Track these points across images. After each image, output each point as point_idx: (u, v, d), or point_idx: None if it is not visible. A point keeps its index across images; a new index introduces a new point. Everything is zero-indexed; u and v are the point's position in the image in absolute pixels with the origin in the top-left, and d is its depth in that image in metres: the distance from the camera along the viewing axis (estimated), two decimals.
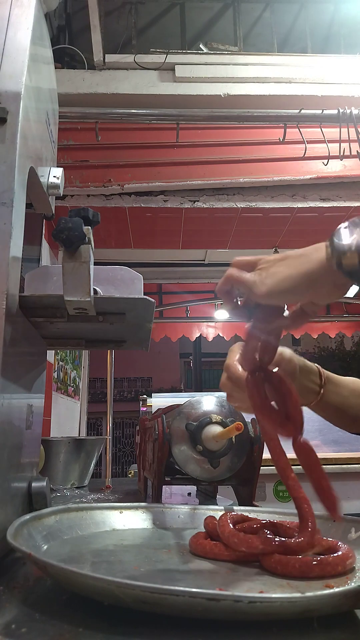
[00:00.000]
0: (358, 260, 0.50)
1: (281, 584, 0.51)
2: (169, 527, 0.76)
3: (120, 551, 0.63)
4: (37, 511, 0.68)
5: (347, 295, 3.96)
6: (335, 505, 0.57)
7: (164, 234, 3.00)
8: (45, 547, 0.62)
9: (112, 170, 2.56)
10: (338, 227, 0.54)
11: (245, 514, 0.76)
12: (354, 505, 2.36)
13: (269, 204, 2.68)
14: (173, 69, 2.59)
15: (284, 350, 0.76)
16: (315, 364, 0.84)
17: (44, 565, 0.47)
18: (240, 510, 0.78)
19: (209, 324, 4.84)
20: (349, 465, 2.41)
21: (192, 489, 1.23)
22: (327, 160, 2.45)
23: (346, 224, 0.54)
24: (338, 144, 2.35)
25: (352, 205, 2.69)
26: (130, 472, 2.73)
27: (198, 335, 4.96)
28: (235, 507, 0.80)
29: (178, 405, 0.94)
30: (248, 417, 0.74)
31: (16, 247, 0.67)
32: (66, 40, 2.77)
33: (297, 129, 2.41)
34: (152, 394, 3.92)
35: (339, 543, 0.58)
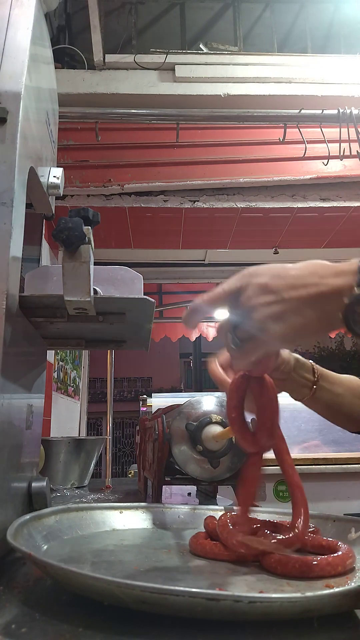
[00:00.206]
0: None
1: (281, 584, 0.51)
2: (169, 527, 0.76)
3: (120, 551, 0.63)
4: (37, 511, 0.68)
5: None
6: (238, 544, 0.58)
7: (164, 234, 3.00)
8: (45, 547, 0.62)
9: (112, 170, 2.56)
10: (352, 303, 0.49)
11: None
12: (354, 505, 2.36)
13: (269, 204, 2.68)
14: (173, 69, 2.59)
15: (282, 352, 0.76)
16: (310, 361, 0.84)
17: (44, 565, 0.47)
18: None
19: (209, 324, 4.84)
20: (349, 465, 2.41)
21: (192, 489, 1.23)
22: (327, 160, 2.45)
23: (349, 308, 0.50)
24: (338, 144, 2.35)
25: (352, 205, 2.69)
26: (130, 472, 2.73)
27: (198, 335, 4.96)
28: (235, 507, 0.80)
29: (178, 405, 0.94)
30: (248, 417, 0.74)
31: (16, 247, 0.67)
32: (66, 40, 2.77)
33: (297, 129, 2.41)
34: (152, 394, 3.92)
35: (339, 543, 0.58)
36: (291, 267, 0.54)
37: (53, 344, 0.97)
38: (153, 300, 0.77)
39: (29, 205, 0.91)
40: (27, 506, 0.76)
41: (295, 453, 2.65)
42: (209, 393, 1.01)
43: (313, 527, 0.67)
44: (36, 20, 0.81)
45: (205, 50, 2.72)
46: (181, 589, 0.40)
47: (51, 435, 2.51)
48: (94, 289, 0.71)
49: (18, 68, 0.74)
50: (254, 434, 0.61)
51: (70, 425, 3.61)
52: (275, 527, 0.64)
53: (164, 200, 2.64)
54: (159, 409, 1.13)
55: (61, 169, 0.94)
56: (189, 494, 1.21)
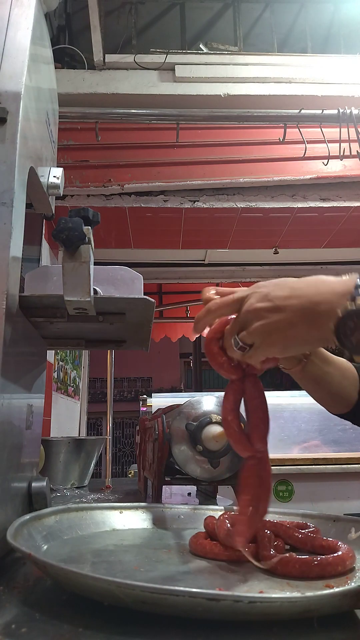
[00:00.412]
0: None
1: (281, 584, 0.51)
2: (169, 527, 0.76)
3: (120, 551, 0.63)
4: (37, 511, 0.68)
5: None
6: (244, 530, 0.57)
7: (164, 234, 3.00)
8: (45, 547, 0.62)
9: (112, 170, 2.56)
10: (345, 317, 0.51)
11: None
12: (354, 505, 2.36)
13: (269, 204, 2.68)
14: (173, 69, 2.58)
15: None
16: None
17: (44, 565, 0.47)
18: None
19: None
20: (349, 465, 2.41)
21: (192, 489, 1.23)
22: (327, 160, 2.45)
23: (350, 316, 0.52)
24: (338, 144, 2.35)
25: (352, 205, 2.69)
26: (130, 472, 2.73)
27: (198, 335, 4.95)
28: (235, 507, 0.80)
29: (178, 405, 0.94)
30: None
31: (16, 247, 0.67)
32: (66, 40, 2.77)
33: (297, 129, 2.41)
34: (152, 394, 3.91)
35: (339, 543, 0.58)
36: (293, 280, 0.58)
37: (53, 344, 0.97)
38: (153, 300, 0.77)
39: (29, 205, 0.91)
40: (27, 506, 0.76)
41: (295, 453, 2.65)
42: (209, 393, 1.01)
43: (313, 527, 0.67)
44: (36, 20, 0.81)
45: (205, 50, 2.72)
46: (181, 589, 0.40)
47: (51, 435, 2.51)
48: (94, 289, 0.71)
49: (18, 68, 0.74)
50: (248, 437, 0.61)
51: (70, 425, 3.61)
52: (275, 527, 0.64)
53: (164, 200, 2.64)
54: (159, 409, 1.13)
55: (61, 169, 0.94)
56: (189, 494, 1.21)
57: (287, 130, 2.43)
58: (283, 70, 2.62)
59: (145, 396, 3.83)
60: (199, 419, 0.84)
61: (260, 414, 0.62)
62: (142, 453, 1.23)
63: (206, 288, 0.66)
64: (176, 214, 2.72)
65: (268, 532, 0.61)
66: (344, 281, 0.55)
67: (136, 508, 0.79)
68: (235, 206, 2.66)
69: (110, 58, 2.59)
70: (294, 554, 0.55)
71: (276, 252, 3.20)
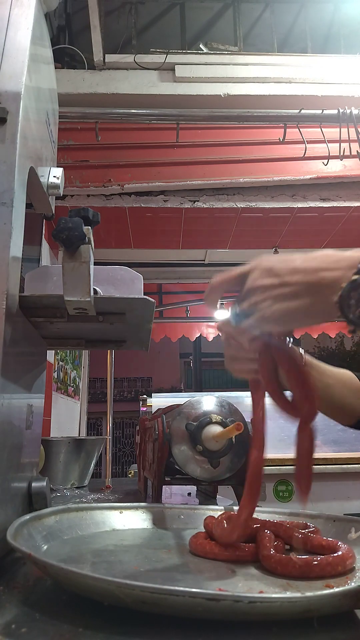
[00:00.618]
0: None
1: (281, 584, 0.51)
2: (169, 527, 0.76)
3: (120, 551, 0.63)
4: (37, 511, 0.68)
5: None
6: (307, 491, 0.59)
7: (164, 234, 3.00)
8: (45, 547, 0.62)
9: (112, 170, 2.56)
10: (347, 291, 0.51)
11: None
12: (354, 505, 2.36)
13: (269, 204, 2.68)
14: (173, 69, 2.59)
15: None
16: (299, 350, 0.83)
17: (44, 565, 0.47)
18: None
19: (209, 324, 4.84)
20: (349, 465, 2.41)
21: (192, 489, 1.23)
22: (327, 160, 2.45)
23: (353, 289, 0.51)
24: (338, 144, 2.35)
25: (352, 205, 2.69)
26: (130, 472, 2.73)
27: (198, 335, 4.96)
28: (235, 507, 0.80)
29: (178, 405, 0.94)
30: (248, 417, 0.74)
31: (16, 247, 0.67)
32: (66, 40, 2.77)
33: (297, 129, 2.41)
34: (152, 394, 3.92)
35: (339, 543, 0.58)
36: (298, 256, 0.57)
37: (53, 344, 0.97)
38: (153, 300, 0.77)
39: (29, 205, 0.91)
40: (27, 506, 0.76)
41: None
42: (209, 393, 1.01)
43: (313, 527, 0.67)
44: (36, 20, 0.81)
45: (205, 50, 2.72)
46: (181, 589, 0.40)
47: (51, 435, 2.51)
48: (94, 289, 0.71)
49: (18, 68, 0.74)
50: (293, 402, 0.60)
51: (70, 425, 3.61)
52: (275, 527, 0.64)
53: (164, 200, 2.64)
54: (159, 409, 1.13)
55: (61, 169, 0.94)
56: (189, 494, 1.21)
57: (287, 130, 2.43)
58: (283, 70, 2.62)
59: (145, 396, 3.84)
60: (199, 419, 0.84)
61: (296, 376, 0.60)
62: (142, 453, 1.23)
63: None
64: (176, 214, 2.73)
65: (268, 532, 0.61)
66: (349, 255, 0.54)
67: (136, 508, 0.79)
68: (235, 206, 2.66)
69: (110, 58, 2.59)
70: (294, 553, 0.55)
71: (276, 252, 3.20)
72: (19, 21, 0.78)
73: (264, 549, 0.57)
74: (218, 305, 0.64)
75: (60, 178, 0.92)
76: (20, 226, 0.69)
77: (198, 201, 2.65)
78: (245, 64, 2.62)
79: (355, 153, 2.36)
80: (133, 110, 2.40)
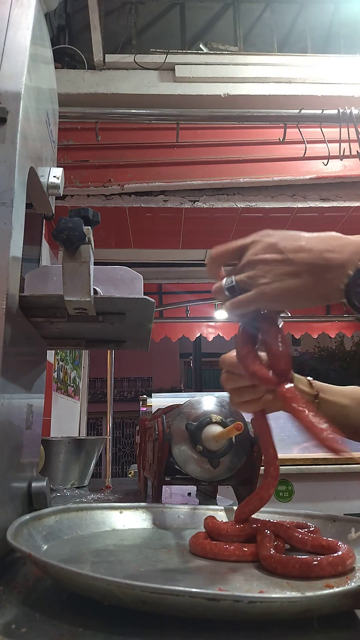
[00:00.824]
0: None
1: (281, 584, 0.51)
2: (169, 527, 0.76)
3: (120, 551, 0.63)
4: (37, 511, 0.68)
5: None
6: (331, 441, 0.55)
7: (164, 234, 3.00)
8: (45, 547, 0.62)
9: (112, 170, 2.56)
10: (350, 282, 0.50)
11: None
12: (354, 505, 2.36)
13: (269, 204, 2.68)
14: (173, 69, 2.58)
15: None
16: (307, 378, 0.81)
17: (44, 565, 0.47)
18: None
19: (209, 324, 4.84)
20: (349, 465, 2.41)
21: (192, 489, 1.23)
22: (327, 160, 2.44)
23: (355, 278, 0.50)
24: (338, 144, 2.35)
25: (352, 205, 2.69)
26: (130, 472, 2.73)
27: (198, 335, 4.96)
28: (235, 507, 0.80)
29: (178, 405, 0.94)
30: (248, 417, 0.74)
31: (16, 247, 0.67)
32: (66, 40, 2.77)
33: (297, 129, 2.40)
34: (152, 394, 3.92)
35: (339, 543, 0.58)
36: (304, 234, 0.55)
37: (53, 344, 0.97)
38: (153, 300, 0.77)
39: (29, 205, 0.91)
40: (27, 506, 0.76)
41: (295, 453, 2.65)
42: (209, 393, 1.01)
43: (313, 527, 0.67)
44: (36, 20, 0.81)
45: (205, 50, 2.72)
46: (181, 589, 0.40)
47: (51, 435, 2.51)
48: (94, 289, 0.71)
49: (18, 68, 0.74)
50: (268, 367, 0.59)
51: (70, 425, 3.61)
52: (275, 527, 0.64)
53: (164, 200, 2.64)
54: (159, 409, 1.13)
55: (61, 169, 0.94)
56: (189, 494, 1.21)
57: (287, 130, 2.43)
58: (283, 70, 2.62)
59: (145, 396, 3.84)
60: (199, 419, 0.84)
61: (277, 345, 0.59)
62: (142, 453, 1.23)
63: None
64: (176, 214, 2.72)
65: (268, 532, 0.61)
66: (356, 240, 0.52)
67: (136, 508, 0.79)
68: (235, 206, 2.66)
69: (110, 58, 2.59)
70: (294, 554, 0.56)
71: None
72: (19, 21, 0.78)
73: (264, 549, 0.57)
74: (222, 272, 0.61)
75: (60, 178, 0.92)
76: (20, 226, 0.69)
77: (198, 201, 2.65)
78: (245, 64, 2.62)
79: (355, 153, 2.36)
80: (133, 110, 2.40)
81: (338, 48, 2.86)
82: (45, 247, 1.90)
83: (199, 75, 2.58)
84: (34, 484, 0.77)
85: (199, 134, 2.61)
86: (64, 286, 0.68)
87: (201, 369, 9.57)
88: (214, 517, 0.68)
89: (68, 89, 2.50)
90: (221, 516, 0.77)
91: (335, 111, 2.35)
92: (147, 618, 0.43)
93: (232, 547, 0.60)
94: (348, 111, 2.34)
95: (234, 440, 0.84)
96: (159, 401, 3.37)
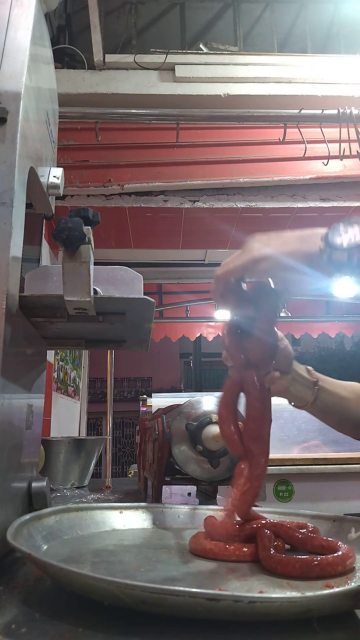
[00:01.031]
0: (346, 258, 0.58)
1: (281, 584, 0.51)
2: (169, 527, 0.76)
3: (120, 551, 0.63)
4: (37, 511, 0.68)
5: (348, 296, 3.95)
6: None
7: (164, 234, 3.00)
8: (45, 547, 0.62)
9: (112, 170, 2.56)
10: (334, 224, 0.60)
11: None
12: (354, 505, 2.36)
13: (269, 204, 2.67)
14: (173, 69, 2.58)
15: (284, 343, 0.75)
16: (305, 366, 0.83)
17: (44, 565, 0.47)
18: None
19: (209, 324, 4.84)
20: (349, 465, 2.41)
21: (192, 489, 1.23)
22: (327, 160, 2.44)
23: (342, 222, 0.60)
24: (338, 144, 2.35)
25: (352, 205, 2.69)
26: (130, 472, 2.73)
27: (198, 335, 4.96)
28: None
29: (178, 405, 0.94)
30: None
31: (16, 247, 0.67)
32: (66, 40, 2.77)
33: (297, 129, 2.40)
34: (152, 394, 3.92)
35: (339, 543, 0.58)
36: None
37: (53, 344, 0.97)
38: (153, 300, 0.77)
39: (29, 205, 0.91)
40: (27, 506, 0.76)
41: (295, 453, 2.65)
42: (209, 393, 1.01)
43: (313, 527, 0.67)
44: (36, 20, 0.81)
45: (205, 50, 2.72)
46: (181, 589, 0.40)
47: (51, 435, 2.51)
48: (94, 289, 0.71)
49: (18, 68, 0.74)
50: (241, 435, 0.62)
51: (70, 425, 3.61)
52: (275, 527, 0.64)
53: (164, 200, 2.64)
54: (159, 409, 1.13)
55: (61, 169, 0.94)
56: (189, 494, 1.21)
57: (287, 130, 2.43)
58: (283, 70, 2.62)
59: (145, 396, 3.83)
60: (199, 419, 0.84)
61: (253, 412, 0.62)
62: (142, 453, 1.23)
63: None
64: (176, 214, 2.72)
65: (268, 532, 0.61)
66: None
67: (136, 508, 0.79)
68: (235, 206, 2.66)
69: (110, 58, 2.59)
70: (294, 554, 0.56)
71: None
72: (19, 21, 0.78)
73: (264, 549, 0.57)
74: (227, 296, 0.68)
75: (60, 178, 0.92)
76: (20, 226, 0.69)
77: (198, 201, 2.65)
78: (245, 64, 2.62)
79: (355, 153, 2.36)
80: (133, 110, 2.40)
81: (338, 48, 2.86)
82: (45, 247, 1.90)
83: (199, 75, 2.58)
84: (34, 484, 0.77)
85: (199, 134, 2.61)
86: (64, 286, 0.68)
87: (201, 369, 9.55)
88: (214, 517, 0.68)
89: (68, 89, 2.50)
90: (221, 516, 0.77)
91: (335, 111, 2.35)
92: (147, 618, 0.43)
93: (232, 547, 0.60)
94: (348, 111, 2.34)
95: None
96: (159, 401, 3.36)
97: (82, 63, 2.61)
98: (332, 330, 5.00)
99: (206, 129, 2.61)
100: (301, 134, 2.40)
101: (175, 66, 2.58)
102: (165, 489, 1.16)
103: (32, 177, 0.81)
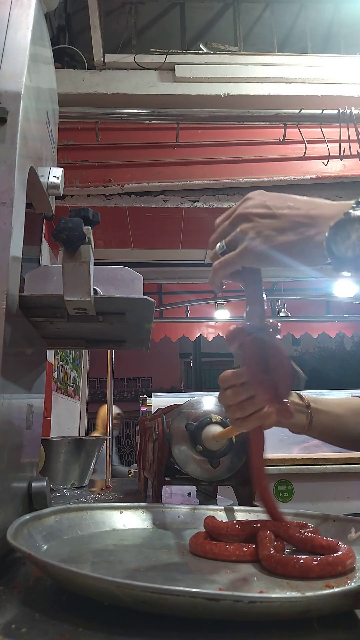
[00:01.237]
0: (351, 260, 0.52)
1: (281, 584, 0.51)
2: (169, 527, 0.76)
3: (120, 551, 0.63)
4: (37, 511, 0.68)
5: (347, 295, 3.95)
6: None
7: (164, 234, 3.00)
8: (45, 547, 0.62)
9: (112, 170, 2.56)
10: (332, 228, 0.53)
11: (245, 514, 0.76)
12: (354, 505, 2.36)
13: None
14: (173, 69, 2.59)
15: None
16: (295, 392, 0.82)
17: (44, 565, 0.47)
18: (240, 510, 0.78)
19: (209, 324, 4.84)
20: (349, 465, 2.41)
21: (192, 489, 1.23)
22: (327, 160, 2.45)
23: (345, 221, 0.53)
24: (338, 144, 2.35)
25: None
26: (130, 472, 2.73)
27: (198, 335, 4.96)
28: (235, 507, 0.80)
29: (178, 405, 0.94)
30: None
31: (16, 247, 0.67)
32: (66, 40, 2.77)
33: (297, 129, 2.41)
34: (152, 394, 3.92)
35: (339, 543, 0.58)
36: (294, 195, 0.59)
37: (53, 344, 0.97)
38: (153, 300, 0.77)
39: (29, 205, 0.91)
40: (27, 506, 0.76)
41: (295, 453, 2.65)
42: (209, 393, 1.01)
43: (313, 527, 0.67)
44: (36, 20, 0.81)
45: (205, 50, 2.72)
46: (181, 589, 0.40)
47: (51, 435, 2.51)
48: (94, 289, 0.71)
49: (18, 68, 0.74)
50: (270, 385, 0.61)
51: (70, 425, 3.61)
52: (275, 527, 0.64)
53: (164, 200, 2.64)
54: (159, 409, 1.12)
55: (61, 169, 0.94)
56: (189, 494, 1.21)
57: (287, 130, 2.43)
58: (283, 70, 2.62)
59: (145, 396, 3.83)
60: (199, 419, 0.84)
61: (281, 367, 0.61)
62: (142, 453, 1.23)
63: None
64: (176, 214, 2.72)
65: (268, 532, 0.61)
66: (341, 203, 0.56)
67: (136, 508, 0.79)
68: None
69: (110, 58, 2.59)
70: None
71: None
72: (19, 21, 0.78)
73: (264, 549, 0.57)
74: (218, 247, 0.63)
75: (60, 178, 0.92)
76: (20, 226, 0.69)
77: (198, 201, 2.65)
78: (245, 64, 2.62)
79: (355, 153, 2.36)
80: (133, 110, 2.40)
81: (338, 48, 2.86)
82: (45, 247, 1.90)
83: (199, 75, 2.58)
84: (34, 484, 0.77)
85: (199, 134, 2.61)
86: (64, 286, 0.68)
87: (201, 369, 9.56)
88: (214, 517, 0.68)
89: (68, 89, 2.50)
90: (221, 516, 0.77)
91: (335, 111, 2.35)
92: (147, 618, 0.43)
93: (232, 547, 0.60)
94: (348, 111, 2.34)
95: (234, 440, 0.84)
96: (159, 401, 3.37)
97: (82, 63, 2.61)
98: (332, 330, 5.00)
99: (206, 129, 2.61)
100: (301, 134, 2.40)
101: (175, 66, 2.58)
102: (165, 489, 1.16)
103: (32, 177, 0.81)
